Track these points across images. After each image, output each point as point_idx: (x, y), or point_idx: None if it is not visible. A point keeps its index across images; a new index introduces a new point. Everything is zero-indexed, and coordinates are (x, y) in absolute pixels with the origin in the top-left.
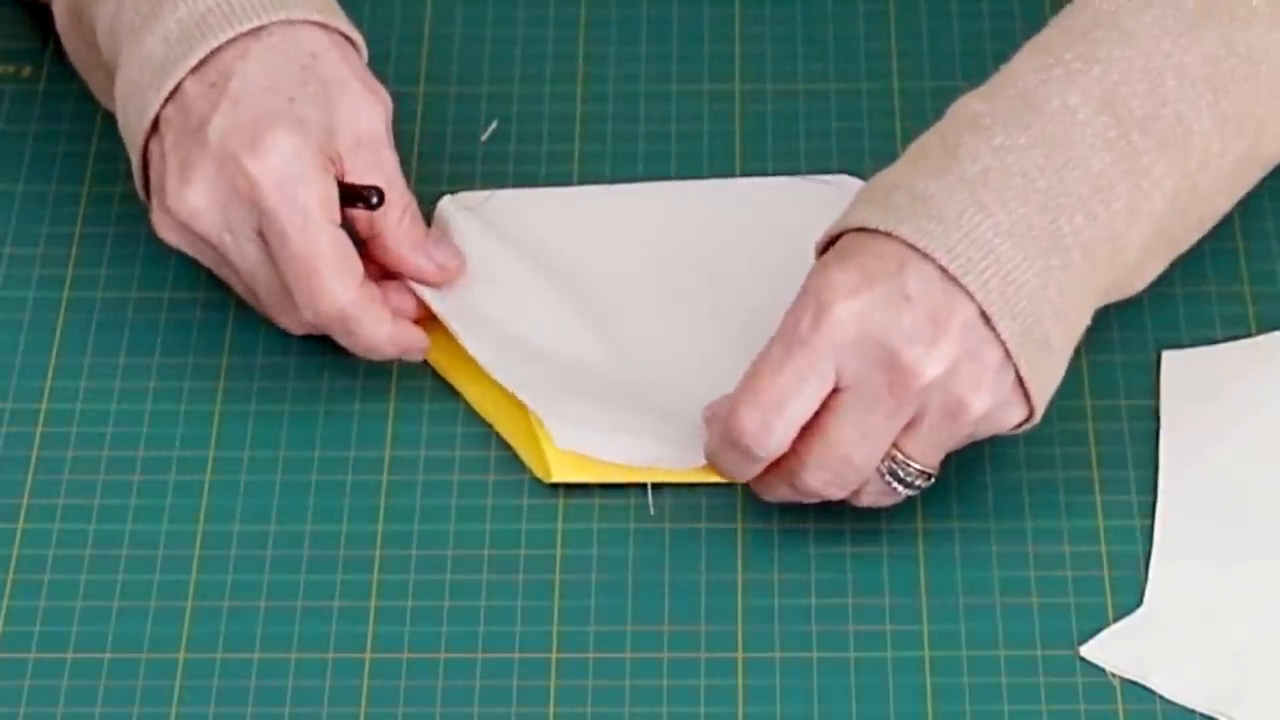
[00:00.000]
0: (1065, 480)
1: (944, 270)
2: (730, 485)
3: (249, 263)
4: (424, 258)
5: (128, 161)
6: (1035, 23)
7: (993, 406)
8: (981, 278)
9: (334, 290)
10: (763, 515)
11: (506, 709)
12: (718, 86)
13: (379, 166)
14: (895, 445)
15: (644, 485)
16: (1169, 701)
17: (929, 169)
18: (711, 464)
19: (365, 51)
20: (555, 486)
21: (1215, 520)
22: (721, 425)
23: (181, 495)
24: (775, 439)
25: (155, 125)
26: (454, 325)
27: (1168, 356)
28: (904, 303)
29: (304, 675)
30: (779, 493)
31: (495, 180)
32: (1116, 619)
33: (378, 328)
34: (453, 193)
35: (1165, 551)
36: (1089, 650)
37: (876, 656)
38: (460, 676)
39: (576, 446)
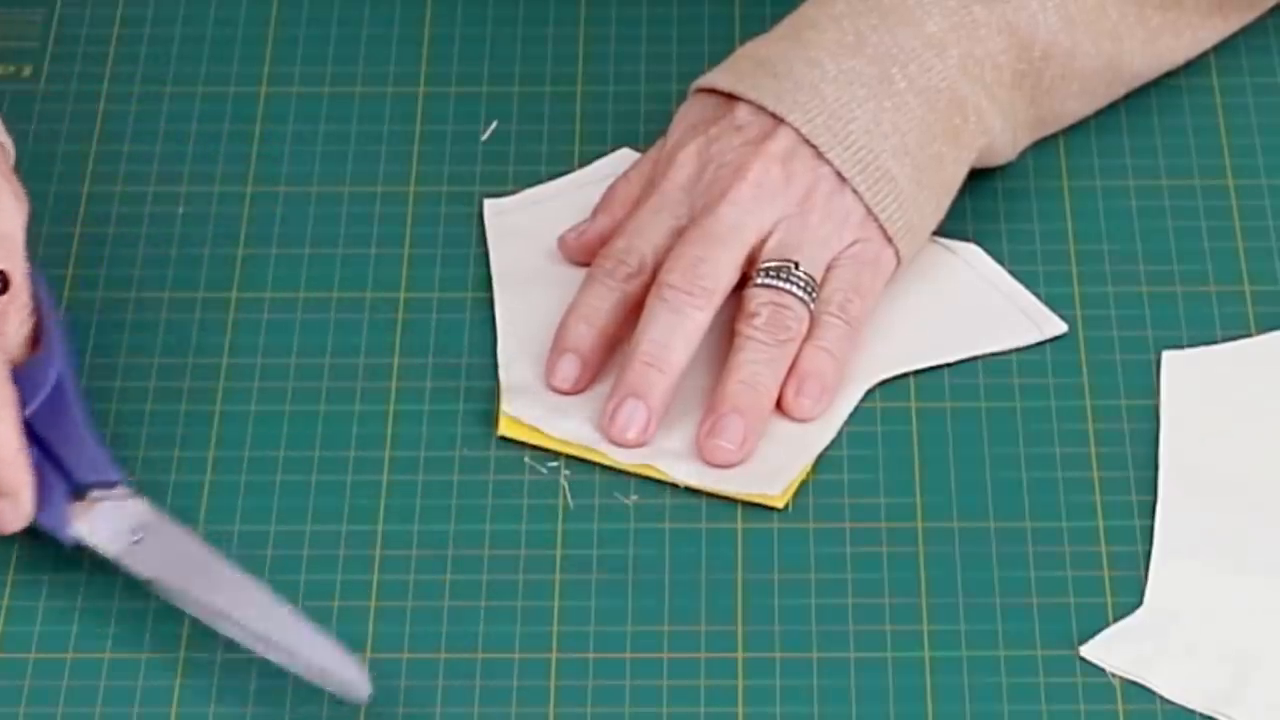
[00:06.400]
0: (1065, 480)
1: (763, 108)
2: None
3: None
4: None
5: (120, 163)
6: None
7: (834, 219)
8: (807, 113)
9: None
10: (763, 515)
11: (506, 709)
12: None
13: (11, 262)
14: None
15: (647, 486)
16: (1169, 701)
17: (773, 37)
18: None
19: (12, 154)
20: (555, 486)
21: (1215, 520)
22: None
23: (182, 495)
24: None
25: None
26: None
27: (1168, 356)
28: (736, 132)
29: None
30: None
31: (495, 180)
32: (1116, 619)
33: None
34: (452, 193)
35: (1165, 551)
36: (1089, 650)
37: (876, 656)
38: (460, 676)
39: (523, 416)
